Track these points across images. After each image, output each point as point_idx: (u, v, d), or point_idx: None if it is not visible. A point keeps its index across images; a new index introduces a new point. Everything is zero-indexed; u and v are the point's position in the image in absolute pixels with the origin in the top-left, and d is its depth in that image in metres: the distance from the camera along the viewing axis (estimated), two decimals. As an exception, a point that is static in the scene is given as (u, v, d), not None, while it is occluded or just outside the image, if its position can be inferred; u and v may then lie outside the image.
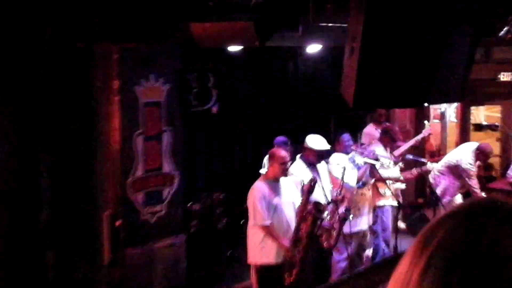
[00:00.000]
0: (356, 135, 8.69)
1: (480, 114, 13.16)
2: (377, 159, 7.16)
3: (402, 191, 8.28)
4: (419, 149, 9.78)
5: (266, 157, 6.58)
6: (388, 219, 7.86)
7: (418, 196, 10.91)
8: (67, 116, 5.69)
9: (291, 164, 6.36)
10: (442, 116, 12.33)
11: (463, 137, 11.64)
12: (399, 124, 10.53)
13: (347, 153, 7.07)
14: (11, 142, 5.32)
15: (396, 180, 7.75)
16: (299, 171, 6.59)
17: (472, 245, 0.73)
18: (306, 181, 6.16)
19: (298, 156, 6.83)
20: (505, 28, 6.84)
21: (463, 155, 8.22)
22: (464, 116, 11.84)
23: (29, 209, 5.47)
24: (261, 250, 5.95)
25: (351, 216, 6.55)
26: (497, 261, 0.71)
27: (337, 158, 6.99)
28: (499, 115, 12.34)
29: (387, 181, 7.56)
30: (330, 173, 6.89)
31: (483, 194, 8.25)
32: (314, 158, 6.69)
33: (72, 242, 5.89)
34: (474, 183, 8.09)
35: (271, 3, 5.57)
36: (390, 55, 4.75)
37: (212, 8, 5.56)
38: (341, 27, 5.57)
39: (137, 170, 6.90)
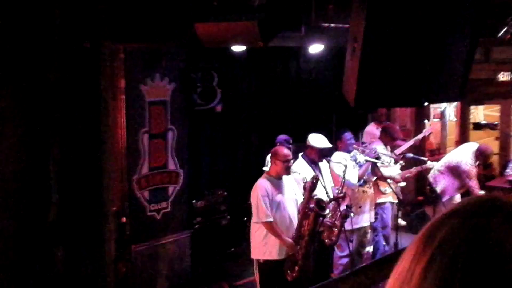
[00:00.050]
0: (357, 134, 8.76)
1: (480, 113, 13.21)
2: (378, 158, 7.23)
3: (402, 189, 8.33)
4: (419, 148, 9.87)
5: (269, 155, 6.65)
6: (388, 216, 7.92)
7: (418, 194, 10.97)
8: (74, 114, 5.76)
9: (293, 162, 6.43)
10: (442, 115, 12.41)
11: (463, 136, 11.71)
12: (400, 123, 10.57)
13: (349, 151, 7.11)
14: (20, 139, 5.39)
15: (393, 179, 7.79)
16: (301, 169, 6.64)
17: (475, 244, 0.73)
18: (308, 179, 6.22)
19: (300, 154, 6.89)
20: (504, 29, 6.86)
21: (463, 156, 8.22)
22: (463, 115, 11.89)
23: (37, 205, 5.54)
24: (264, 246, 5.98)
25: (352, 213, 6.63)
26: (500, 260, 0.71)
27: (339, 156, 7.04)
28: (498, 114, 12.40)
29: (388, 180, 7.62)
30: (332, 171, 6.94)
31: (483, 193, 8.29)
32: (316, 156, 6.74)
33: (79, 238, 5.95)
34: (474, 184, 8.09)
35: (274, 4, 5.60)
36: (391, 55, 4.78)
37: (216, 8, 5.60)
38: (343, 27, 5.63)
39: (142, 167, 6.99)
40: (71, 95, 5.71)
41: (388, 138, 7.88)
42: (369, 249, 7.68)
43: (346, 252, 7.05)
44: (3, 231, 5.39)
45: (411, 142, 8.55)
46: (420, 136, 8.97)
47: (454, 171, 8.26)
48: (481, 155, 8.17)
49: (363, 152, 7.12)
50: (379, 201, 7.74)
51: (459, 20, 5.06)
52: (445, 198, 8.27)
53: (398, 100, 5.49)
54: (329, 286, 6.09)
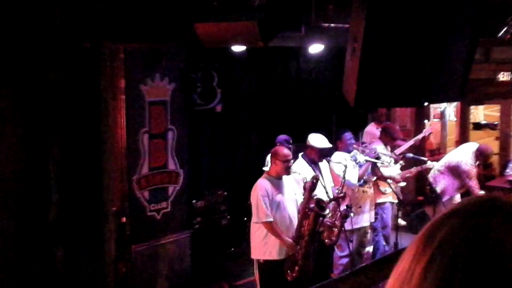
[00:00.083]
0: (357, 134, 8.77)
1: (479, 113, 13.23)
2: (378, 158, 7.24)
3: (402, 189, 8.34)
4: (419, 148, 9.87)
5: (269, 155, 6.66)
6: (388, 216, 7.93)
7: (418, 194, 10.98)
8: (74, 114, 5.77)
9: (293, 162, 6.44)
10: (442, 115, 12.42)
11: (463, 136, 11.72)
12: (400, 123, 10.59)
13: (349, 151, 7.12)
14: (20, 139, 5.40)
15: (393, 179, 7.81)
16: (301, 169, 6.65)
17: (475, 244, 0.73)
18: (308, 179, 6.23)
19: (300, 154, 6.90)
20: (504, 29, 6.86)
21: (463, 156, 8.22)
22: (463, 115, 11.91)
23: (37, 205, 5.54)
24: (264, 246, 5.99)
25: (352, 213, 6.63)
26: (500, 260, 0.71)
27: (339, 156, 7.05)
28: (498, 114, 12.41)
29: (388, 179, 7.63)
30: (332, 171, 6.96)
31: (483, 193, 8.30)
32: (316, 156, 6.75)
33: (79, 238, 5.96)
34: (474, 184, 8.10)
35: (274, 4, 5.61)
36: (391, 55, 4.79)
37: (216, 8, 5.61)
38: (343, 27, 5.64)
39: (142, 167, 7.00)
40: (71, 95, 5.72)
41: (388, 138, 7.89)
42: (369, 249, 7.69)
43: (346, 252, 7.06)
44: (3, 231, 5.39)
45: (411, 142, 8.56)
46: (420, 136, 8.98)
47: (454, 171, 8.26)
48: (481, 155, 8.18)
49: (363, 152, 7.13)
50: (379, 201, 7.75)
51: (459, 20, 5.07)
52: (445, 198, 8.28)
53: (398, 100, 5.49)
54: (329, 286, 6.09)
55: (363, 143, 8.00)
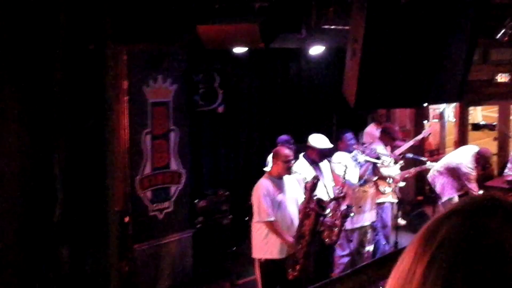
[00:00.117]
0: (357, 134, 8.82)
1: (478, 114, 13.29)
2: (378, 158, 7.29)
3: (402, 188, 8.39)
4: (419, 148, 9.92)
5: (270, 155, 6.69)
6: (388, 216, 7.96)
7: (418, 194, 11.04)
8: (79, 115, 5.83)
9: (294, 162, 6.49)
10: (441, 116, 12.48)
11: (462, 137, 11.77)
12: (399, 123, 10.62)
13: (350, 151, 7.14)
14: (27, 140, 5.46)
15: (392, 178, 7.85)
16: (302, 169, 6.68)
17: (475, 244, 0.73)
18: (309, 179, 6.27)
19: (301, 154, 6.95)
20: (503, 30, 6.90)
21: (463, 158, 8.24)
22: (462, 116, 11.95)
23: (43, 205, 5.60)
24: (265, 246, 6.01)
25: (352, 213, 6.67)
26: (500, 260, 0.71)
27: (339, 156, 7.09)
28: (496, 115, 12.47)
29: (387, 179, 7.69)
30: (332, 171, 6.99)
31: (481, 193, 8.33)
32: (317, 157, 6.79)
33: (84, 237, 6.02)
34: (474, 186, 8.12)
35: (276, 6, 5.65)
36: (391, 57, 4.83)
37: (218, 10, 5.66)
38: (343, 29, 5.69)
39: (145, 168, 7.06)
40: (75, 96, 5.77)
41: (387, 138, 7.92)
42: (369, 248, 7.73)
43: (346, 252, 7.09)
44: (9, 230, 5.45)
45: (410, 143, 8.60)
46: (419, 137, 9.02)
47: (454, 172, 8.28)
48: (481, 158, 8.19)
49: (363, 152, 7.17)
50: (378, 201, 7.77)
51: (458, 22, 5.11)
52: (444, 199, 8.32)
53: (397, 101, 5.54)
54: (329, 285, 6.12)
55: (363, 143, 8.03)
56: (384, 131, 8.09)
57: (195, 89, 7.70)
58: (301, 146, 7.19)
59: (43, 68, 5.51)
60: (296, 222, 6.06)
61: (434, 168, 8.50)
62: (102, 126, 6.17)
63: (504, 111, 12.02)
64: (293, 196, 6.15)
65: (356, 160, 7.06)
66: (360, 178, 7.15)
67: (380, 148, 7.65)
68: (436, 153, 11.64)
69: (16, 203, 5.50)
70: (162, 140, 7.22)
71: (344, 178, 6.59)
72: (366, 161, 7.12)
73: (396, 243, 7.71)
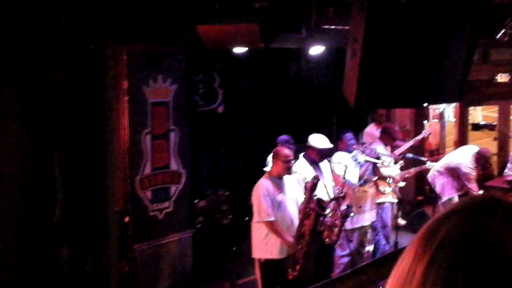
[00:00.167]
0: (357, 134, 8.83)
1: (478, 114, 13.30)
2: (378, 158, 7.30)
3: (402, 188, 8.39)
4: (419, 148, 9.93)
5: (270, 155, 6.69)
6: (388, 216, 7.96)
7: (418, 194, 11.04)
8: (79, 115, 5.84)
9: (294, 162, 6.50)
10: (441, 116, 12.49)
11: (462, 137, 11.78)
12: (399, 123, 10.62)
13: (350, 151, 7.15)
14: (27, 139, 5.47)
15: (393, 178, 7.86)
16: (302, 169, 6.68)
17: (476, 244, 0.73)
18: (309, 179, 6.28)
19: (301, 154, 6.95)
20: (503, 30, 6.91)
21: (463, 158, 8.25)
22: (462, 116, 11.97)
23: (43, 204, 5.60)
24: (265, 246, 6.01)
25: (352, 213, 6.68)
26: (501, 260, 0.71)
27: (339, 156, 7.10)
28: (496, 115, 12.48)
29: (387, 179, 7.69)
30: (332, 171, 7.00)
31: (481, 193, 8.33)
32: (317, 157, 6.79)
33: (84, 237, 6.02)
34: (474, 186, 8.13)
35: (276, 6, 5.66)
36: (391, 57, 4.84)
37: (218, 10, 5.66)
38: (343, 29, 5.69)
39: (145, 168, 7.06)
40: (75, 96, 5.78)
41: (388, 138, 7.93)
42: (369, 248, 7.73)
43: (347, 252, 7.10)
44: (10, 230, 5.45)
45: (410, 143, 8.61)
46: (419, 137, 9.03)
47: (454, 172, 8.29)
48: (481, 159, 8.20)
49: (363, 152, 7.17)
50: (378, 201, 7.78)
51: (458, 21, 5.12)
52: (444, 199, 8.32)
53: (397, 101, 5.54)
54: (329, 285, 6.13)
55: (363, 143, 8.04)
56: (384, 131, 8.09)
57: (195, 89, 7.71)
58: (301, 146, 7.20)
59: (43, 68, 5.51)
60: (296, 222, 6.07)
61: (434, 168, 8.50)
62: (102, 126, 6.18)
63: (504, 111, 12.03)
64: (293, 196, 6.15)
65: (356, 160, 7.07)
66: (360, 178, 7.16)
67: (380, 148, 7.66)
68: (436, 153, 11.65)
69: (16, 203, 5.50)
70: (162, 140, 7.23)
71: (344, 178, 6.59)
72: (366, 161, 7.13)
73: (396, 243, 7.72)
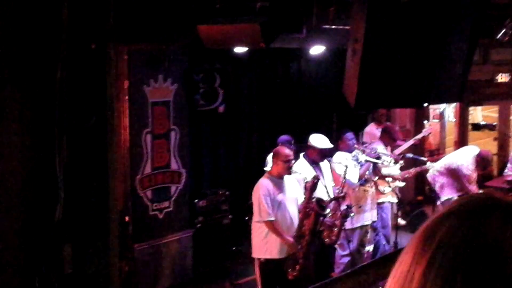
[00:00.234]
0: (357, 134, 8.83)
1: (478, 114, 13.30)
2: (378, 157, 7.30)
3: (402, 188, 8.39)
4: (419, 148, 9.94)
5: (270, 155, 6.69)
6: (388, 215, 7.96)
7: (417, 194, 11.05)
8: (80, 114, 5.85)
9: (294, 162, 6.50)
10: (441, 116, 12.49)
11: (462, 137, 11.79)
12: (399, 123, 10.63)
13: (351, 151, 7.15)
14: (28, 139, 5.48)
15: (395, 178, 7.87)
16: (302, 169, 6.69)
17: (475, 244, 0.73)
18: (309, 179, 6.29)
19: (301, 154, 6.96)
20: (503, 30, 6.91)
21: (464, 160, 8.22)
22: (462, 116, 11.98)
23: (44, 204, 5.61)
24: (264, 245, 6.01)
25: (352, 213, 6.68)
26: (499, 261, 0.71)
27: (340, 156, 7.11)
28: (496, 115, 12.48)
29: (387, 179, 7.69)
30: (333, 171, 7.01)
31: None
32: (317, 157, 6.79)
33: (85, 236, 6.03)
34: (474, 188, 8.11)
35: (276, 6, 5.66)
36: (391, 57, 4.85)
37: (219, 10, 5.67)
38: (344, 29, 5.70)
39: (145, 167, 7.06)
40: (77, 95, 5.79)
41: (388, 138, 7.93)
42: (370, 248, 7.74)
43: (347, 251, 7.10)
44: (11, 230, 5.46)
45: (410, 142, 8.61)
46: (419, 136, 9.03)
47: (454, 173, 8.27)
48: (482, 161, 8.18)
49: (364, 152, 7.18)
50: (378, 201, 7.79)
51: (459, 22, 5.13)
52: (443, 199, 8.32)
53: (398, 101, 5.56)
54: (329, 285, 6.13)
55: (363, 143, 8.05)
56: (384, 131, 8.09)
57: (196, 89, 7.70)
58: (301, 146, 7.20)
59: (45, 68, 5.53)
60: (296, 222, 6.07)
61: (435, 168, 8.50)
62: (103, 125, 6.19)
63: (504, 111, 12.04)
64: (293, 196, 6.15)
65: (357, 159, 7.07)
66: (360, 178, 7.16)
67: (380, 148, 7.66)
68: (436, 153, 11.65)
69: (17, 202, 5.51)
70: (162, 140, 7.23)
71: (344, 177, 6.60)
72: (367, 161, 7.13)
73: (395, 243, 7.72)
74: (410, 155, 8.30)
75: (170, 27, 6.12)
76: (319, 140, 6.81)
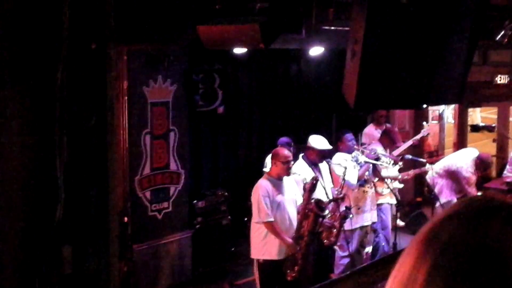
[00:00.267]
0: (356, 135, 8.84)
1: (477, 115, 13.32)
2: (378, 159, 7.31)
3: (401, 190, 8.40)
4: (418, 150, 9.94)
5: (268, 156, 6.70)
6: (387, 217, 7.96)
7: (416, 195, 11.05)
8: (80, 114, 5.85)
9: (293, 163, 6.50)
10: (440, 117, 12.50)
11: (461, 138, 11.80)
12: (399, 124, 10.65)
13: (350, 152, 7.17)
14: (28, 139, 5.48)
15: (394, 179, 7.87)
16: (301, 170, 6.70)
17: (477, 248, 0.72)
18: (308, 180, 6.30)
19: (300, 155, 6.96)
20: (502, 32, 6.93)
21: (463, 162, 8.23)
22: (461, 117, 11.99)
23: (44, 204, 5.61)
24: (263, 246, 6.03)
25: (351, 214, 6.69)
26: (502, 264, 0.71)
27: (339, 157, 7.12)
28: (495, 116, 12.50)
29: (386, 180, 7.70)
30: (332, 172, 7.02)
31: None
32: (316, 158, 6.80)
33: (84, 237, 6.03)
34: (473, 190, 8.13)
35: (276, 7, 5.67)
36: (391, 58, 4.85)
37: (218, 11, 5.67)
38: (343, 30, 5.70)
39: (144, 168, 7.06)
40: (77, 95, 5.79)
41: (387, 140, 7.93)
42: (369, 249, 7.74)
43: (347, 252, 7.11)
44: (11, 230, 5.45)
45: (409, 143, 8.62)
46: (418, 136, 9.04)
47: (454, 175, 8.28)
48: (481, 164, 8.20)
49: (363, 153, 7.19)
50: (377, 202, 7.79)
51: (458, 23, 5.13)
52: (442, 201, 8.32)
53: (397, 102, 5.56)
54: (328, 286, 6.13)
55: (362, 144, 8.06)
56: (384, 133, 8.11)
57: (195, 89, 7.71)
58: (300, 147, 7.21)
59: (45, 68, 5.52)
60: (295, 223, 6.09)
61: (434, 170, 8.50)
62: (103, 125, 6.19)
63: (503, 113, 12.06)
64: (292, 197, 6.17)
65: (357, 160, 7.07)
66: (360, 179, 7.17)
67: (379, 149, 7.67)
68: (435, 155, 11.66)
69: (17, 202, 5.51)
70: (161, 140, 7.23)
71: (343, 179, 6.60)
72: (366, 162, 7.14)
73: (395, 244, 7.72)
74: (409, 156, 8.30)
75: (170, 27, 6.12)
76: (318, 141, 6.82)
